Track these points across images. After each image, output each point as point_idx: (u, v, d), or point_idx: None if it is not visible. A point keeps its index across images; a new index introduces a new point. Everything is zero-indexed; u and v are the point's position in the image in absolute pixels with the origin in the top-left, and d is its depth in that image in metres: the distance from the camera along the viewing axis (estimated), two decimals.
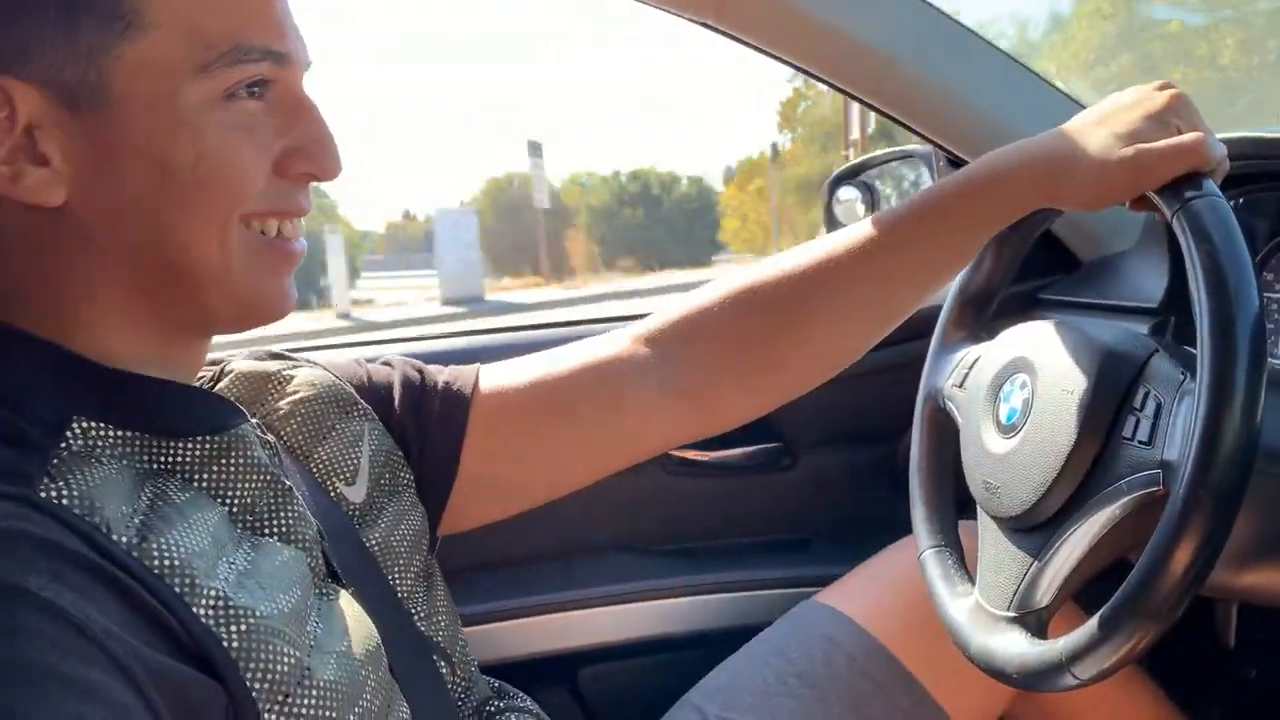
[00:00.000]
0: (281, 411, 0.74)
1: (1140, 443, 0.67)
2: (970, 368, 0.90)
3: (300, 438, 0.73)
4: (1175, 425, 0.65)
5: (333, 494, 0.72)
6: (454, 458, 0.79)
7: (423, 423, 0.79)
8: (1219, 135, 0.92)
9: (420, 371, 0.83)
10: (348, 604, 0.64)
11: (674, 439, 0.84)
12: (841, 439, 1.36)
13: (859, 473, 1.36)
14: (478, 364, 0.83)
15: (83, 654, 0.43)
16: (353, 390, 0.78)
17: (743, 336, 0.81)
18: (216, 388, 0.73)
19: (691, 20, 1.03)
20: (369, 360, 0.84)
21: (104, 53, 0.53)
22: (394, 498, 0.76)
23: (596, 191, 39.59)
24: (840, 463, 1.37)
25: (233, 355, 0.77)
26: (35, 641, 0.42)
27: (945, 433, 0.93)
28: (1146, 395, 0.69)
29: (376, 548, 0.72)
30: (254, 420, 0.65)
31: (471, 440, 0.79)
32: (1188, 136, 0.67)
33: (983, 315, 1.02)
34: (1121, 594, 0.61)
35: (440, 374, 0.82)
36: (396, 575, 0.72)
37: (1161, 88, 0.72)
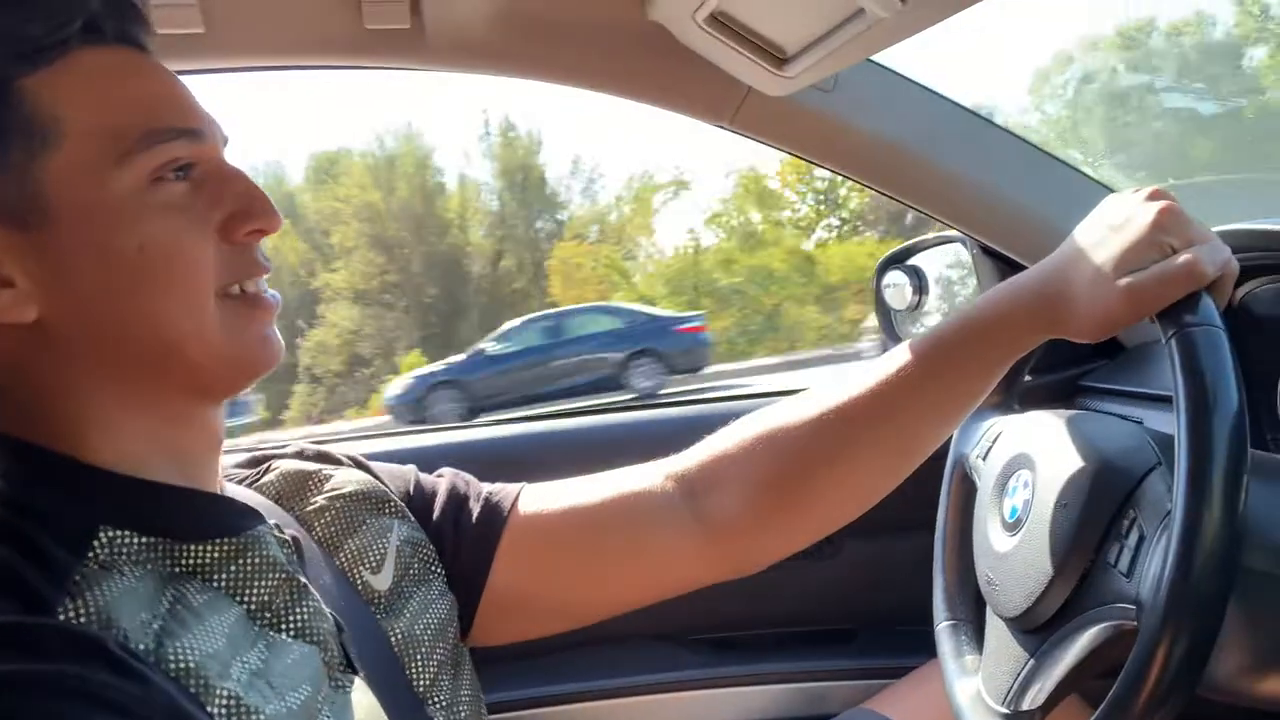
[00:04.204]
0: (315, 506, 0.77)
1: (1121, 572, 0.66)
2: (993, 442, 0.89)
3: (331, 531, 0.77)
4: (1151, 561, 0.63)
5: (358, 584, 0.75)
6: (486, 564, 0.81)
7: (461, 527, 0.82)
8: (1247, 227, 0.90)
9: (467, 482, 0.86)
10: (362, 695, 0.66)
11: (699, 578, 0.85)
12: (885, 527, 1.33)
13: (903, 562, 1.33)
14: (523, 483, 0.86)
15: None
16: (388, 490, 0.82)
17: (766, 479, 0.81)
18: (260, 482, 0.78)
19: (708, 123, 1.07)
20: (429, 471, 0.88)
21: (32, 170, 0.57)
22: (422, 585, 0.79)
23: None
24: (884, 551, 1.35)
25: (282, 454, 0.82)
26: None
27: (970, 501, 0.91)
28: (1132, 523, 0.67)
29: (399, 637, 0.74)
30: (272, 521, 0.68)
31: (503, 552, 0.81)
32: (1179, 260, 0.65)
33: (1013, 386, 1.01)
34: None
35: (486, 487, 0.86)
36: (418, 664, 0.74)
37: (1151, 197, 0.70)
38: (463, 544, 0.81)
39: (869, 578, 1.35)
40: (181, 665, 0.54)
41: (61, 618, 0.52)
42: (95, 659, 0.50)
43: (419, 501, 0.83)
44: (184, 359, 0.61)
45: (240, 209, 0.62)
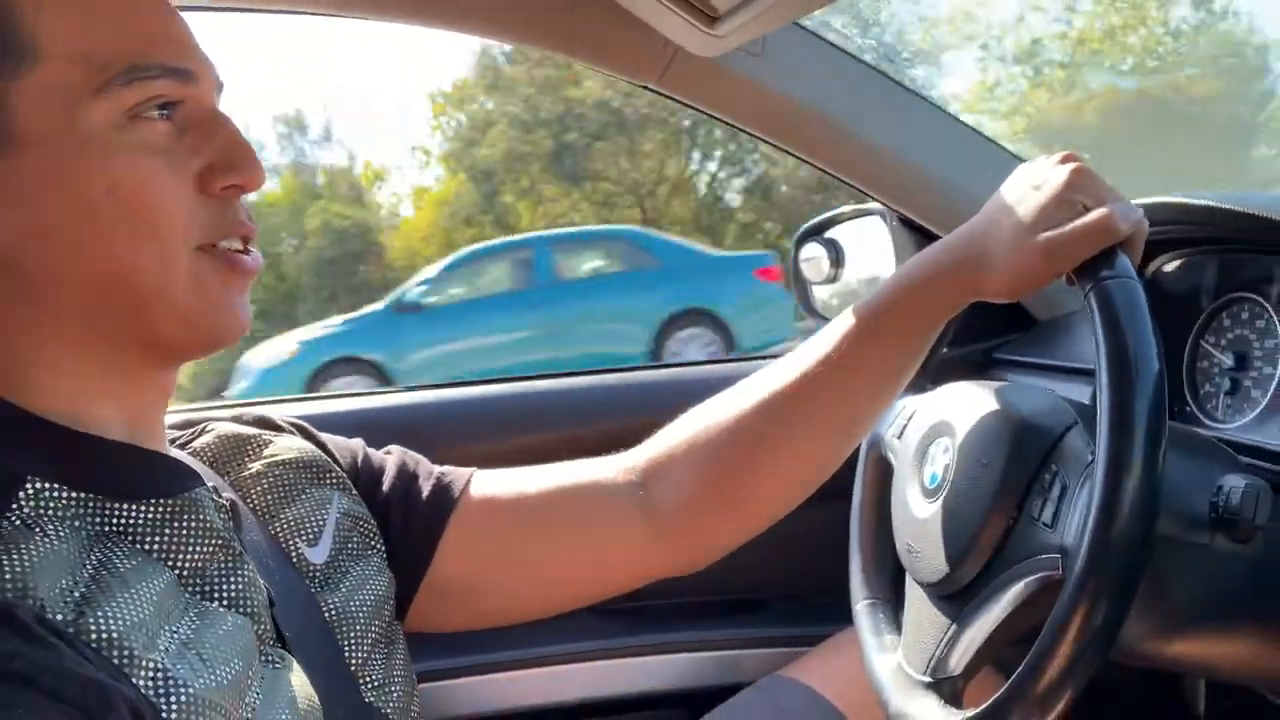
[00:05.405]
0: (251, 472, 0.74)
1: (1044, 524, 0.67)
2: (909, 420, 0.90)
3: (267, 499, 0.73)
4: (1075, 510, 0.64)
5: (294, 556, 0.72)
6: (432, 544, 0.79)
7: (410, 504, 0.80)
8: (1157, 200, 0.93)
9: (417, 461, 0.84)
10: (293, 673, 0.63)
11: (648, 574, 0.84)
12: None
13: (817, 532, 1.34)
14: (474, 468, 0.84)
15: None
16: (331, 461, 0.79)
17: (709, 471, 0.80)
18: (194, 443, 0.74)
19: (633, 83, 1.05)
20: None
21: (2, 90, 0.54)
22: (360, 560, 0.75)
23: None
24: (798, 521, 1.34)
25: (220, 418, 0.78)
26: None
27: (886, 482, 0.92)
28: (1054, 476, 0.68)
29: (334, 612, 0.71)
30: (211, 485, 0.65)
31: (450, 534, 0.79)
32: (1093, 215, 0.67)
33: (926, 366, 1.02)
34: (1014, 679, 0.60)
35: (437, 468, 0.84)
36: (352, 641, 0.72)
37: (1064, 160, 0.72)
38: (410, 522, 0.79)
39: (781, 547, 1.35)
40: (104, 636, 0.50)
41: None
42: (3, 626, 0.46)
43: (366, 475, 0.80)
44: (147, 312, 0.58)
45: (221, 160, 0.59)
